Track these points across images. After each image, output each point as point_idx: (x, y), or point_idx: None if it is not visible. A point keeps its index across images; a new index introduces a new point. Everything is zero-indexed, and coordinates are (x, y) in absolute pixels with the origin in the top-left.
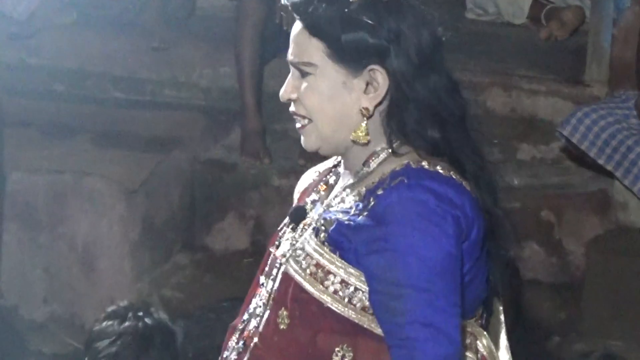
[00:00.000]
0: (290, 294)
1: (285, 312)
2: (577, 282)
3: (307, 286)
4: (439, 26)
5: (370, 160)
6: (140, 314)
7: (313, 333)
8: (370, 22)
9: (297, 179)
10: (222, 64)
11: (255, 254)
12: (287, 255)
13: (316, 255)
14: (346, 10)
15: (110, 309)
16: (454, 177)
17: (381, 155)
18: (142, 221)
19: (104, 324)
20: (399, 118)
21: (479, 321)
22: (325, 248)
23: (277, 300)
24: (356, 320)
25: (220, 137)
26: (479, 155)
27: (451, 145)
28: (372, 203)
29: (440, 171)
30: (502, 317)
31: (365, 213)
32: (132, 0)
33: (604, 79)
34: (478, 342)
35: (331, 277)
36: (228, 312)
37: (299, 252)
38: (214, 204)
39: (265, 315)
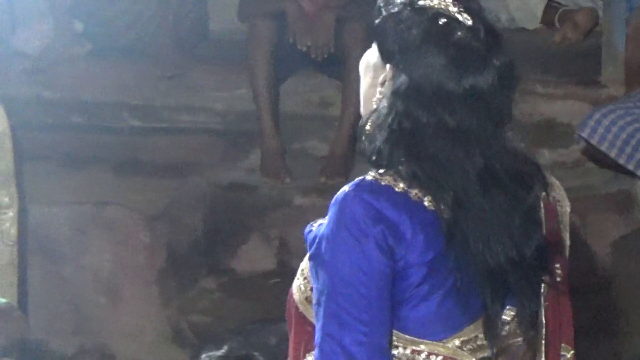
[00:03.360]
0: None
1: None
2: (605, 282)
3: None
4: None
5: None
6: None
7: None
8: (391, 28)
9: (318, 197)
10: (238, 86)
11: (281, 274)
12: None
13: None
14: (392, 11)
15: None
16: (410, 194)
17: None
18: (166, 248)
19: None
20: (378, 123)
21: (469, 346)
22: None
23: None
24: (301, 309)
25: (240, 160)
26: (459, 185)
27: (423, 175)
28: None
29: (394, 187)
30: None
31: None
32: (144, 29)
33: (620, 79)
34: None
35: (302, 264)
36: (256, 334)
37: None
38: (237, 227)
39: None
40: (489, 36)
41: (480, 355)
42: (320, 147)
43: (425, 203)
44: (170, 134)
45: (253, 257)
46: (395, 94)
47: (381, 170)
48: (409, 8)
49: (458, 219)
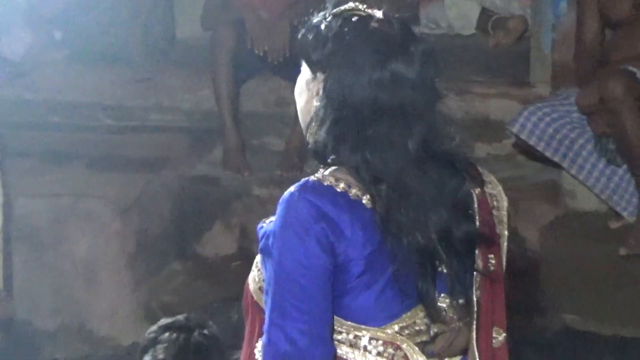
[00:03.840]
0: None
1: None
2: (535, 264)
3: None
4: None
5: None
6: (196, 327)
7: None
8: (312, 38)
9: (276, 188)
10: (202, 88)
11: (242, 258)
12: None
13: None
14: (315, 21)
15: (165, 321)
16: (350, 194)
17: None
18: (137, 236)
19: (160, 334)
20: (320, 119)
21: (407, 332)
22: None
23: None
24: (255, 298)
25: (204, 155)
26: (396, 178)
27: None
28: None
29: (335, 187)
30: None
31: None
32: (117, 35)
33: (547, 79)
34: (415, 356)
35: (256, 258)
36: (220, 311)
37: None
38: (202, 215)
39: None
40: (402, 25)
41: (418, 339)
42: (277, 142)
43: (364, 201)
44: (141, 131)
45: (216, 243)
46: (329, 90)
47: (326, 172)
48: (323, 19)
49: (391, 209)
